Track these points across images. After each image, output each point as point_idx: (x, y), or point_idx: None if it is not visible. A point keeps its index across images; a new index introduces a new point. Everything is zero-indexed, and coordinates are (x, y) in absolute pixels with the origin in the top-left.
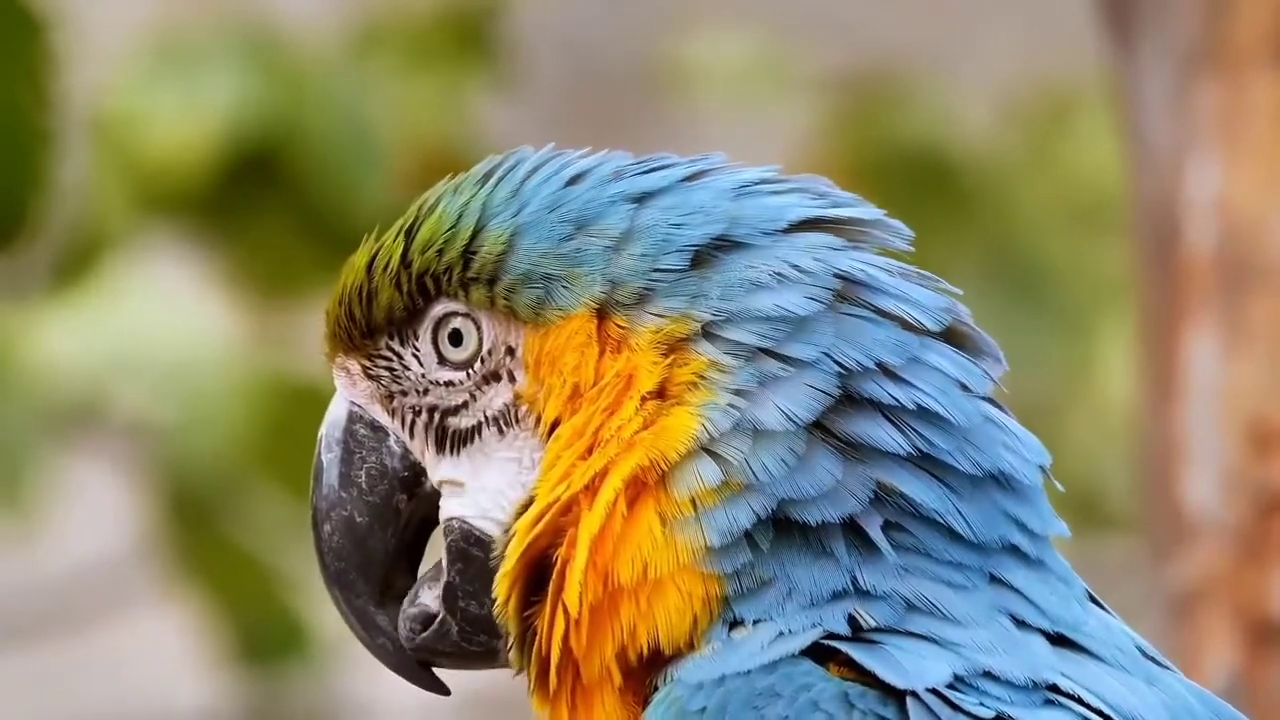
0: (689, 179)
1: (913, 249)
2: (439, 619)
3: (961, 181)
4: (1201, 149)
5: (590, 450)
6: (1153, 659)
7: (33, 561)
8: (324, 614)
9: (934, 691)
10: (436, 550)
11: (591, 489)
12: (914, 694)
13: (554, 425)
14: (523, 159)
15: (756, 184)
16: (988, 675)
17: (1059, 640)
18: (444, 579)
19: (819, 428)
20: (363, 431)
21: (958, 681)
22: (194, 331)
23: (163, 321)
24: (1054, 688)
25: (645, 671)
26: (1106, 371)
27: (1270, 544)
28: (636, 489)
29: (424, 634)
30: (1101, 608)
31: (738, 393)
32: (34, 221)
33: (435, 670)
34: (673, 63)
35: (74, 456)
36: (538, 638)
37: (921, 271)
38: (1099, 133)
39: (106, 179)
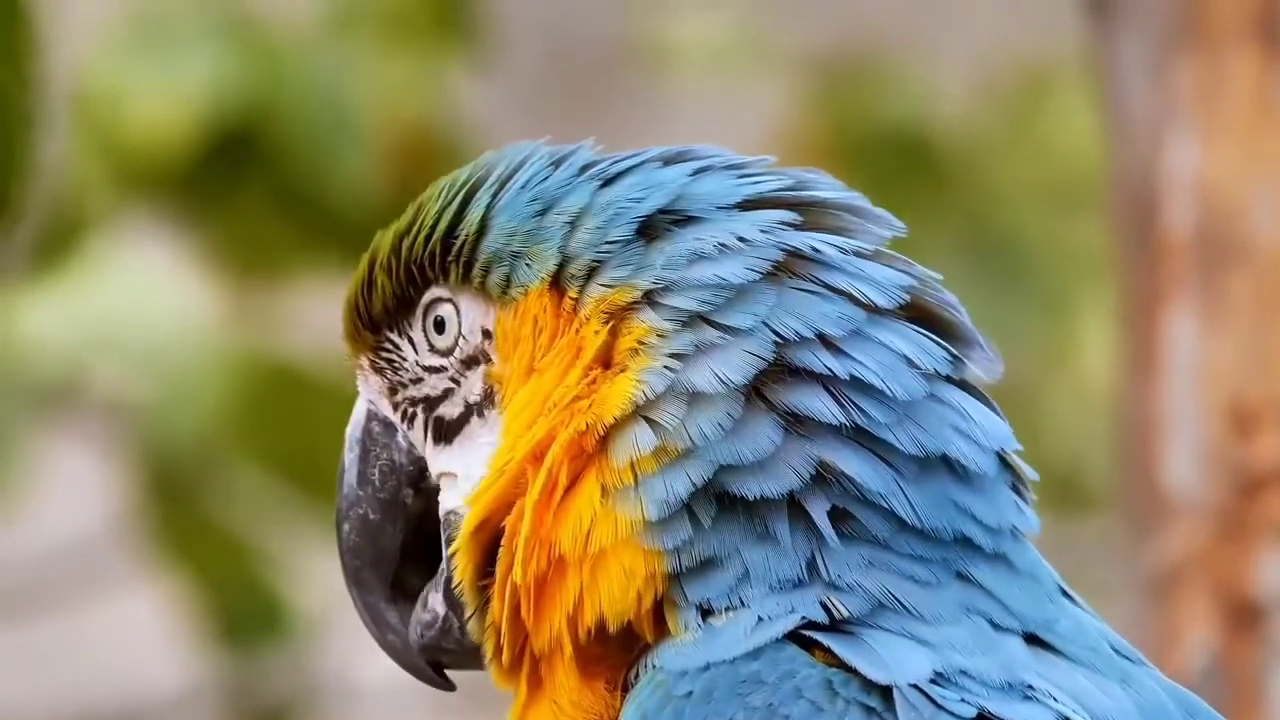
0: (665, 161)
1: (903, 234)
2: (443, 617)
3: (940, 160)
4: (1180, 126)
5: (535, 419)
6: (1126, 656)
7: (10, 540)
8: (303, 593)
9: (916, 687)
10: None
11: (536, 457)
12: (897, 688)
13: None
14: (526, 152)
15: (727, 167)
16: (964, 674)
17: (1029, 640)
18: (444, 575)
19: (759, 396)
20: (377, 429)
21: (938, 677)
22: (173, 310)
23: (142, 300)
24: (1030, 688)
25: (622, 660)
26: (1085, 350)
27: (1249, 523)
28: (578, 457)
29: (429, 634)
30: (1073, 601)
31: (674, 356)
32: (16, 204)
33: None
34: (650, 42)
35: (52, 435)
36: (489, 609)
37: (893, 253)
38: (1078, 110)
39: (85, 158)
